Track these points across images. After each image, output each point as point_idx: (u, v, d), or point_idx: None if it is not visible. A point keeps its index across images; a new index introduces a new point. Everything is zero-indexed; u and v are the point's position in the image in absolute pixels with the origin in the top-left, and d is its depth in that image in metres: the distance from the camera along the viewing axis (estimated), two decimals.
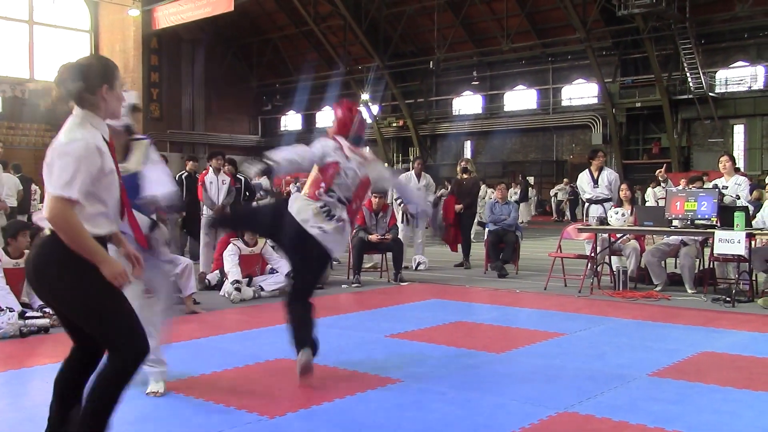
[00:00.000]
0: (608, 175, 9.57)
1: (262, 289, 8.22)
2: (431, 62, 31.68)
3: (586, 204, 9.77)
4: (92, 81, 2.89)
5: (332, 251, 4.69)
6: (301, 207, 4.61)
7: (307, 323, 4.61)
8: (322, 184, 4.63)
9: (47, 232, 2.88)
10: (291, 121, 42.70)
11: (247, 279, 8.16)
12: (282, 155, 4.59)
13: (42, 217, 2.87)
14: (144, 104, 34.61)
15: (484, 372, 4.85)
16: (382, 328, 6.30)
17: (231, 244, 8.28)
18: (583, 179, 9.73)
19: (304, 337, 4.56)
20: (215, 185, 9.71)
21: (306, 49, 38.32)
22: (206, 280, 8.76)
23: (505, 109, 34.08)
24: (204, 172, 9.99)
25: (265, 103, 41.75)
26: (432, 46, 32.08)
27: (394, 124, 35.79)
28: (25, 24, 32.40)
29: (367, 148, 4.86)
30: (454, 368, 4.92)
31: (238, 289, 7.90)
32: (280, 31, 38.44)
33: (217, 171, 9.79)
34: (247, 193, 11.80)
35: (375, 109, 36.32)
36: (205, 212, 9.73)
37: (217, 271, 8.66)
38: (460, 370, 4.90)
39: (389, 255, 9.69)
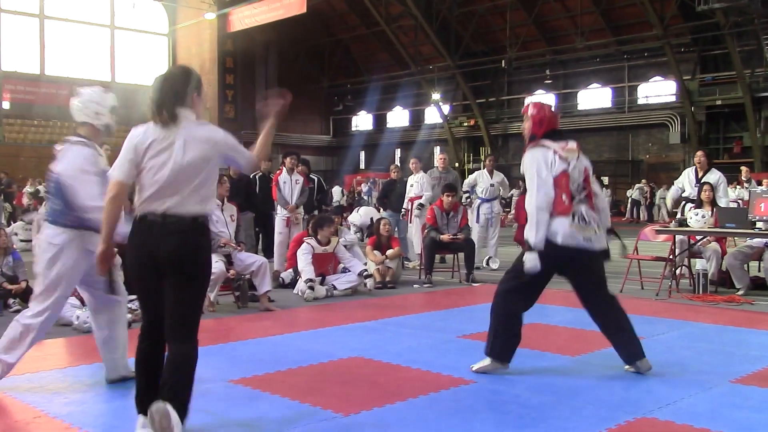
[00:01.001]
0: (711, 176, 9.20)
1: (334, 287, 8.30)
2: (503, 61, 31.39)
3: (683, 202, 9.42)
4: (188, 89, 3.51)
5: (603, 247, 4.75)
6: (562, 229, 4.57)
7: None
8: (564, 197, 4.58)
9: (187, 219, 3.35)
10: (362, 121, 43.00)
11: (320, 278, 8.25)
12: (537, 228, 4.55)
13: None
14: (219, 105, 35.40)
15: (558, 375, 4.78)
16: (455, 329, 6.28)
17: (304, 243, 8.39)
18: (684, 178, 9.49)
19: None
20: (289, 185, 9.86)
21: (377, 49, 38.53)
22: (280, 278, 8.90)
23: (579, 107, 33.52)
24: (278, 171, 10.15)
25: (336, 103, 42.13)
26: (504, 45, 31.80)
27: (465, 124, 35.61)
28: (107, 28, 33.56)
29: (571, 141, 4.87)
30: (528, 370, 4.86)
31: (311, 288, 8.00)
32: (352, 31, 38.75)
33: (290, 171, 9.93)
34: (320, 194, 11.95)
35: (446, 108, 36.24)
36: (279, 211, 9.89)
37: (291, 270, 8.79)
38: (534, 372, 4.84)
39: (461, 255, 9.65)
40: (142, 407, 3.39)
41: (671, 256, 8.51)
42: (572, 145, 4.77)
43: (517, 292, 4.77)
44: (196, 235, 3.38)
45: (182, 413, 3.26)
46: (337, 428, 3.71)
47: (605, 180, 29.00)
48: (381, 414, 3.92)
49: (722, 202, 8.79)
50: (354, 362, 5.08)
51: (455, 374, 4.70)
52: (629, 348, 4.75)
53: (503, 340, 4.73)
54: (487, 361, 4.76)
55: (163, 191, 3.34)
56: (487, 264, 11.07)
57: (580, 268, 4.74)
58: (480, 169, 12.21)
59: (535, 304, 6.47)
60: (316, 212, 10.96)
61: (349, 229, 10.23)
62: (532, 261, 4.53)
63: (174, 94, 3.41)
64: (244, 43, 35.99)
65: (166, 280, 3.36)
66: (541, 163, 4.61)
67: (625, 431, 3.66)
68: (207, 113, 36.13)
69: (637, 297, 8.23)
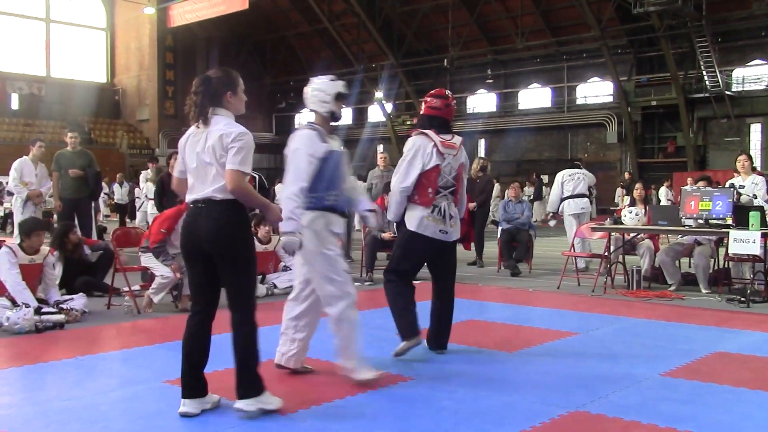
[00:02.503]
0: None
1: (275, 286, 8.25)
2: (445, 60, 31.64)
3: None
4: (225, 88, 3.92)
5: (457, 238, 5.19)
6: (418, 218, 4.97)
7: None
8: (430, 190, 4.93)
9: (215, 201, 3.71)
10: (305, 119, 42.75)
11: (261, 276, 8.18)
12: (394, 209, 5.03)
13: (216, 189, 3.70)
14: (159, 102, 34.82)
15: (495, 371, 4.85)
16: (394, 326, 6.27)
17: None
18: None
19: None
20: None
21: (320, 47, 38.40)
22: None
23: (520, 107, 34.01)
24: None
25: (279, 100, 41.82)
26: (446, 44, 32.05)
27: (408, 122, 35.69)
28: (42, 22, 32.65)
29: (456, 136, 5.17)
30: (465, 367, 4.92)
31: None
32: (294, 28, 38.54)
33: None
34: (262, 192, 11.84)
35: (389, 107, 36.33)
36: None
37: None
38: (471, 368, 4.90)
39: None
40: (185, 391, 3.83)
41: (606, 253, 8.71)
42: (455, 141, 5.09)
43: (394, 282, 5.21)
44: (229, 215, 3.75)
45: (257, 388, 3.87)
46: (274, 427, 3.69)
47: (545, 179, 29.45)
48: (319, 412, 3.92)
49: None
50: None
51: (393, 371, 4.72)
52: (444, 335, 5.32)
53: (404, 320, 5.08)
54: (402, 344, 5.05)
55: (194, 181, 3.81)
56: None
57: (435, 256, 5.13)
58: None
59: (475, 302, 6.55)
60: (257, 210, 10.86)
61: None
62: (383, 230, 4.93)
63: (210, 95, 3.89)
64: (185, 38, 35.48)
65: (215, 261, 3.84)
66: (418, 152, 4.95)
67: (558, 425, 3.74)
68: (147, 109, 35.62)
69: (573, 293, 8.40)
